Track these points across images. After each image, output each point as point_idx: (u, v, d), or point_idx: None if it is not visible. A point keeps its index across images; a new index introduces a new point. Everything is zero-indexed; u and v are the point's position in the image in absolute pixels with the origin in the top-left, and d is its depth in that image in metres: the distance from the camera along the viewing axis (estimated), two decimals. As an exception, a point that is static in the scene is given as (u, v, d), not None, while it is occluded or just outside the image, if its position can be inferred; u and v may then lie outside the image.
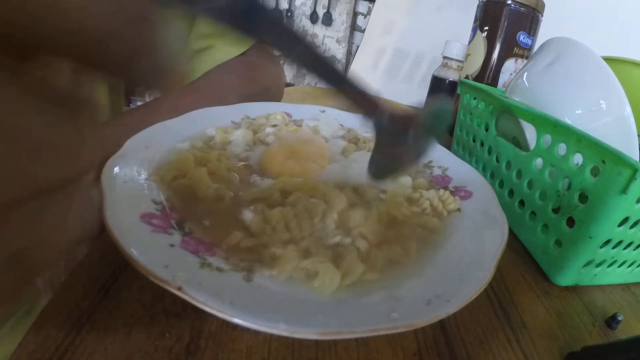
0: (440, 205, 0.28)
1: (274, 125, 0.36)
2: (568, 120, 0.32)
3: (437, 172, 0.34)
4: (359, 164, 0.30)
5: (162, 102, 0.37)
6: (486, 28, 0.58)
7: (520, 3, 0.55)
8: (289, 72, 1.52)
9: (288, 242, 0.22)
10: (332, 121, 0.39)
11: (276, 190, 0.26)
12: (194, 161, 0.27)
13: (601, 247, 0.26)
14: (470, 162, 0.42)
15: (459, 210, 0.28)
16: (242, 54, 0.46)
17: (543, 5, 0.57)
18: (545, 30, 0.56)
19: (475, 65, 0.60)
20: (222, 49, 0.45)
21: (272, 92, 0.49)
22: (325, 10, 1.51)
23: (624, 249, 0.28)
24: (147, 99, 0.37)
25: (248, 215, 0.24)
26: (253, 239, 0.22)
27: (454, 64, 0.70)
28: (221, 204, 0.25)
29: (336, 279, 0.19)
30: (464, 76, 0.62)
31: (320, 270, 0.20)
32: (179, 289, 0.16)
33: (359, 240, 0.23)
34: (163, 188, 0.24)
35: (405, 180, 0.32)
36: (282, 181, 0.27)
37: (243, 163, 0.31)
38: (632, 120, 0.31)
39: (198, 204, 0.24)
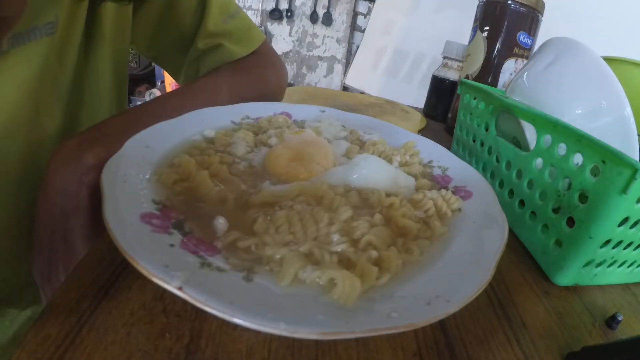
0: (445, 206, 0.28)
1: (276, 128, 0.36)
2: (568, 120, 0.32)
3: (437, 172, 0.34)
4: (363, 166, 0.30)
5: (162, 102, 0.37)
6: (486, 28, 0.58)
7: (520, 3, 0.55)
8: (289, 72, 1.52)
9: (289, 244, 0.22)
10: (334, 122, 0.39)
11: (294, 194, 0.26)
12: (195, 164, 0.26)
13: (601, 247, 0.26)
14: (470, 162, 0.42)
15: (459, 210, 0.28)
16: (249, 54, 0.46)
17: (543, 5, 0.57)
18: (545, 30, 0.56)
19: (475, 65, 0.60)
20: (228, 48, 0.45)
21: (274, 93, 0.49)
22: (325, 10, 1.52)
23: (624, 249, 0.28)
24: (147, 99, 0.37)
25: (220, 221, 0.22)
26: (250, 238, 0.21)
27: (454, 64, 0.70)
28: (224, 205, 0.25)
29: (357, 285, 0.18)
30: (464, 76, 0.62)
31: (338, 278, 0.19)
32: (179, 289, 0.16)
33: (368, 248, 0.22)
34: (163, 188, 0.24)
35: (409, 181, 0.31)
36: (299, 186, 0.27)
37: (245, 164, 0.30)
38: (632, 120, 0.32)
39: (200, 206, 0.24)
